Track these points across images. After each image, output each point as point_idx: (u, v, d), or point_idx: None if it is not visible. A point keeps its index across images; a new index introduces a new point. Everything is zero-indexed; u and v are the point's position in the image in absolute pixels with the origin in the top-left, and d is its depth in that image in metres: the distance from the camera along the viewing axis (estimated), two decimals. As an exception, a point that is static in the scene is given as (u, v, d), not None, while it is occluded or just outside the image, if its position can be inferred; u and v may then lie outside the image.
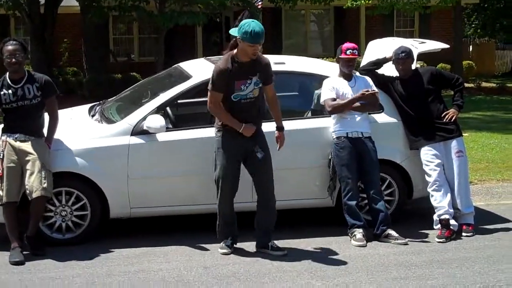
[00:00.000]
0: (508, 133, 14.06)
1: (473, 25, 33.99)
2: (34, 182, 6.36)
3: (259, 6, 16.72)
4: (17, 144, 6.50)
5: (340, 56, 7.15)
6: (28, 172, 6.40)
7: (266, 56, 6.59)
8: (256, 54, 6.28)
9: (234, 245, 6.64)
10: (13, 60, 6.49)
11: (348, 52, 7.11)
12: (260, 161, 6.41)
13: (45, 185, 6.37)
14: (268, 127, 6.67)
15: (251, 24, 6.19)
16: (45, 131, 6.73)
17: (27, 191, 6.39)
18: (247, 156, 6.44)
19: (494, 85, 24.21)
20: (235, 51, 6.34)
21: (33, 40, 20.00)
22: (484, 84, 24.00)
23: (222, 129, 6.42)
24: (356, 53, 7.14)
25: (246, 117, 6.36)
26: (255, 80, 6.33)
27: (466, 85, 9.80)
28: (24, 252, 6.38)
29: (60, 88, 7.00)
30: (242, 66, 6.29)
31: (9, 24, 24.09)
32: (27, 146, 6.48)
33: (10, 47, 6.51)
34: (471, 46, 30.72)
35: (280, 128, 6.59)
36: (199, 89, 7.40)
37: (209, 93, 6.37)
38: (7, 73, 6.63)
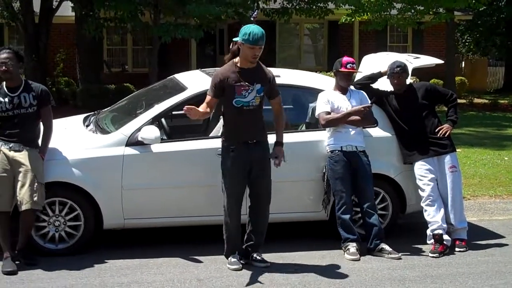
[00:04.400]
0: (500, 149, 14.12)
1: (467, 43, 34.21)
2: (25, 195, 6.33)
3: (254, 19, 16.75)
4: (11, 153, 6.47)
5: (339, 70, 7.18)
6: (19, 184, 6.38)
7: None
8: (256, 58, 6.28)
9: (241, 261, 6.55)
10: (3, 68, 6.47)
11: (348, 66, 7.14)
12: (260, 171, 6.38)
13: (35, 198, 6.34)
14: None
15: (251, 26, 6.25)
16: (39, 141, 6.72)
17: (18, 203, 6.37)
18: (251, 166, 6.38)
19: (487, 101, 24.32)
20: (237, 58, 6.36)
21: (27, 49, 20.00)
22: (476, 100, 24.10)
23: (227, 139, 6.40)
24: (355, 67, 7.21)
25: (249, 125, 6.34)
26: (258, 87, 6.33)
27: (459, 101, 9.79)
28: (17, 262, 6.35)
29: (53, 98, 6.97)
30: (244, 72, 6.30)
31: (3, 33, 24.10)
32: (20, 157, 6.46)
33: (2, 55, 6.50)
34: (463, 62, 30.89)
35: (278, 143, 6.51)
36: (195, 100, 7.39)
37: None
38: (4, 81, 6.62)
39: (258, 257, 6.56)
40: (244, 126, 6.34)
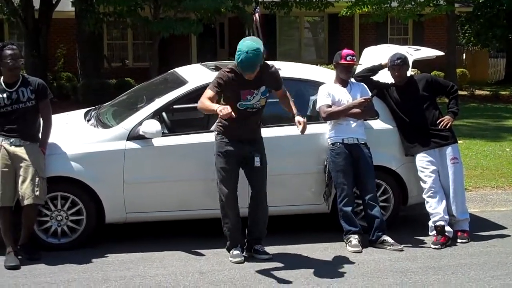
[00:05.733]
0: (502, 140, 14.11)
1: (467, 34, 34.12)
2: (27, 190, 6.34)
3: (258, 14, 16.70)
4: (12, 148, 6.47)
5: (339, 62, 7.17)
6: (21, 179, 6.39)
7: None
8: (251, 78, 6.23)
9: (244, 253, 6.56)
10: (16, 64, 6.50)
11: (348, 58, 7.13)
12: (256, 168, 6.40)
13: (37, 193, 6.36)
14: (269, 132, 6.69)
15: (242, 54, 6.10)
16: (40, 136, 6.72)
17: (20, 197, 6.38)
18: (244, 161, 6.43)
19: (488, 92, 24.30)
20: None
21: (28, 45, 20.01)
22: (477, 91, 24.08)
23: (220, 133, 6.41)
24: (355, 60, 7.20)
25: (248, 126, 6.37)
26: (262, 90, 6.34)
27: (460, 92, 9.79)
28: (19, 257, 6.37)
29: (54, 93, 6.97)
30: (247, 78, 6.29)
31: (3, 29, 24.08)
32: (21, 151, 6.46)
33: (11, 52, 6.48)
34: (464, 54, 30.84)
35: (297, 114, 6.44)
36: (195, 94, 7.40)
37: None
38: (1, 77, 6.61)
39: (260, 249, 6.57)
40: (243, 126, 6.36)
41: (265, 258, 6.52)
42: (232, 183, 6.43)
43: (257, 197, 6.54)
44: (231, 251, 6.53)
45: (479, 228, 7.58)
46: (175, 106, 7.67)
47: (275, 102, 6.74)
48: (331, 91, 7.20)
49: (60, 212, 6.76)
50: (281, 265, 6.40)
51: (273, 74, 6.46)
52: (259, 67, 6.25)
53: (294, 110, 6.54)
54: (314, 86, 7.49)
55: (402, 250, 6.86)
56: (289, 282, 6.02)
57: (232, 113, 5.98)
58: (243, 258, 6.47)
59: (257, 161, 6.38)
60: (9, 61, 6.46)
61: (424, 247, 7.02)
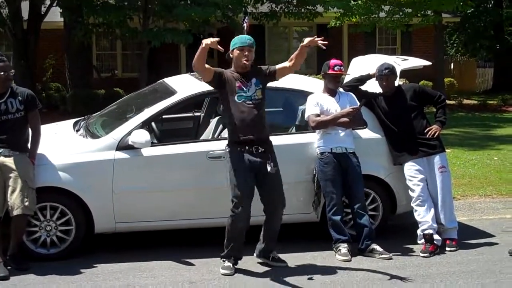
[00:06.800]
0: (489, 149, 14.20)
1: (455, 44, 34.34)
2: (16, 200, 6.34)
3: (246, 24, 16.78)
4: (1, 159, 6.47)
5: (327, 72, 7.21)
6: (10, 189, 6.38)
7: None
8: (249, 60, 6.34)
9: (235, 266, 6.49)
10: (9, 76, 6.52)
11: (336, 68, 7.17)
12: (270, 175, 6.34)
13: (26, 203, 6.35)
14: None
15: (236, 38, 6.41)
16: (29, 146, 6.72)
17: (9, 208, 6.37)
18: (257, 171, 6.35)
19: (476, 102, 24.44)
20: (232, 67, 6.47)
21: (16, 55, 19.97)
22: (465, 101, 24.21)
23: (230, 147, 6.36)
24: (343, 70, 7.24)
25: (251, 122, 6.29)
26: (254, 81, 6.38)
27: (448, 102, 9.91)
28: (8, 267, 6.35)
29: (43, 103, 6.97)
30: (241, 74, 6.39)
31: (-9, 39, 24.06)
32: (10, 162, 6.45)
33: (2, 64, 6.50)
34: (452, 64, 31.02)
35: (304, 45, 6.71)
36: (184, 104, 7.45)
37: None
38: None
39: (276, 256, 6.64)
40: (248, 124, 6.28)
41: (283, 266, 6.57)
42: (248, 200, 6.33)
43: (274, 207, 6.50)
44: (224, 261, 6.47)
45: (467, 236, 7.62)
46: (164, 116, 7.69)
47: (268, 112, 6.74)
48: (319, 101, 7.23)
49: (49, 222, 6.75)
50: (270, 274, 6.41)
51: (260, 68, 6.54)
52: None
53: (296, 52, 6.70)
54: (302, 96, 7.51)
55: (391, 259, 6.89)
56: (278, 291, 6.04)
57: (217, 44, 6.13)
58: (233, 271, 6.42)
59: (269, 166, 6.32)
60: (1, 73, 6.46)
61: (413, 255, 7.05)
